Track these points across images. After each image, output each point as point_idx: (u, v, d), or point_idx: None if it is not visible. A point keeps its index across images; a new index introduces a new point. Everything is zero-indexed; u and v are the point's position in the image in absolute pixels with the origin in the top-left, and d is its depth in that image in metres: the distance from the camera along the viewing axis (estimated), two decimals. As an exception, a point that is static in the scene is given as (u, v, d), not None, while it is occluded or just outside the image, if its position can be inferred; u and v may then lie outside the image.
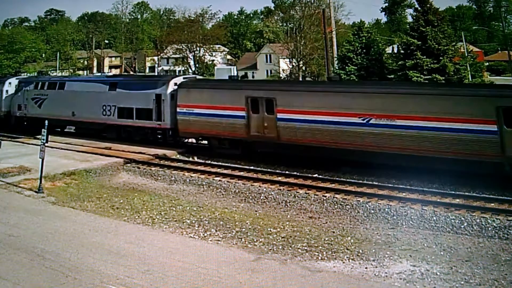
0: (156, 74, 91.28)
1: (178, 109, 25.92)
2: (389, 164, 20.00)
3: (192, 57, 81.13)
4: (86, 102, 30.07)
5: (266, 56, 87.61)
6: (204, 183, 20.65)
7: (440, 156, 18.60)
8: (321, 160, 21.89)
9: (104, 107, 29.01)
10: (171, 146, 26.71)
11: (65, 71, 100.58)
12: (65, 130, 33.73)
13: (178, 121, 25.98)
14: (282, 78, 67.50)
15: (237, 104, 23.78)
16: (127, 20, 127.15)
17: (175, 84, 26.66)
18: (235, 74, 73.08)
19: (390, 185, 18.89)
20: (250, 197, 18.75)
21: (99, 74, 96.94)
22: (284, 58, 70.59)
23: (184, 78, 28.24)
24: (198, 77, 38.34)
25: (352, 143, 20.45)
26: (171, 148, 26.19)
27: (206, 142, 26.35)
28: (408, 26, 49.16)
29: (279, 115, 22.50)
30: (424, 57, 39.89)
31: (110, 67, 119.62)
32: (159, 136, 27.57)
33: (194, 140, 27.36)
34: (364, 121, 20.20)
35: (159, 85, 27.25)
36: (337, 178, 20.21)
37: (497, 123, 17.69)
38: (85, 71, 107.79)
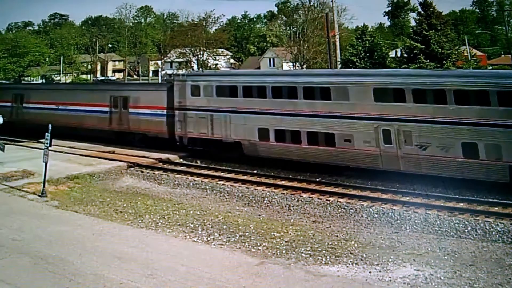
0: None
1: None
2: (70, 134, 30.77)
3: (195, 61, 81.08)
4: None
5: (270, 60, 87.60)
6: (207, 187, 20.68)
7: (94, 127, 30.75)
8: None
9: None
10: None
11: (68, 75, 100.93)
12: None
13: None
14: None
15: (7, 98, 37.21)
16: (131, 24, 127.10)
17: None
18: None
19: (393, 189, 18.90)
20: (254, 201, 18.76)
21: (102, 78, 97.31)
22: (287, 62, 70.62)
23: None
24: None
25: (56, 121, 28.39)
26: (175, 152, 26.27)
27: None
28: (411, 30, 49.26)
29: (25, 105, 36.17)
30: (428, 61, 39.85)
31: (114, 71, 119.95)
32: None
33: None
34: (57, 107, 33.42)
35: None
36: (340, 182, 20.26)
37: (109, 106, 30.24)
38: (89, 75, 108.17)
